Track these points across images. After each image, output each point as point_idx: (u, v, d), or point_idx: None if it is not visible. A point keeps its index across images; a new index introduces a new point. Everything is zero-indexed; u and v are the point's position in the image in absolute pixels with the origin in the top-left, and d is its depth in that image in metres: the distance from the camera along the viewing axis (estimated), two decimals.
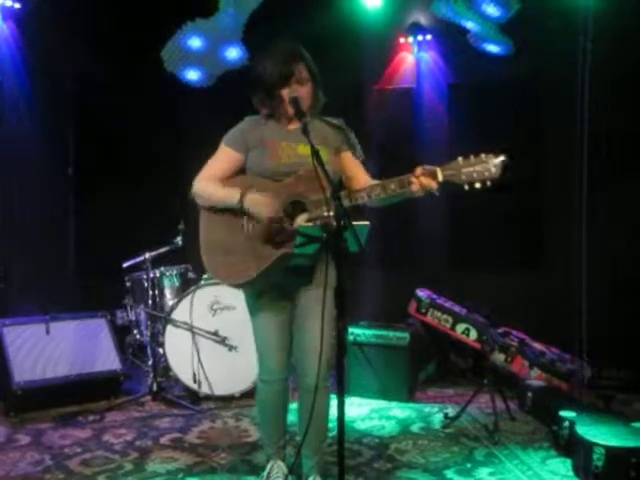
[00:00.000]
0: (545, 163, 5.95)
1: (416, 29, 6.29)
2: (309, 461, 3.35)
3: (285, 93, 3.12)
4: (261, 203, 3.06)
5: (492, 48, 5.96)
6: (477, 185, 2.84)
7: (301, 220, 3.03)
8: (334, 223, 2.55)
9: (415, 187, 2.91)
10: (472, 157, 2.87)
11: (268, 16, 5.96)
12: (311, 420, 3.08)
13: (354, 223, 2.61)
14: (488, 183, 2.83)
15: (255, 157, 3.20)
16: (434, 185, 2.90)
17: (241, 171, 3.26)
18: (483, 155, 2.85)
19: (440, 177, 2.90)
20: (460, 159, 2.88)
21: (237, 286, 3.24)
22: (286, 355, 3.35)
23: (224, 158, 3.26)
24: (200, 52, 6.27)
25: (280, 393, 3.39)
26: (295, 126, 3.18)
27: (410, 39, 6.35)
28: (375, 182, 3.08)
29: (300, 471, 3.43)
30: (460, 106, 6.17)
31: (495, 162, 2.82)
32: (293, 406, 3.48)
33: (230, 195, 3.12)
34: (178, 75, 6.30)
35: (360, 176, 3.26)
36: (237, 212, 3.13)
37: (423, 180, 2.90)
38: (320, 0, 5.81)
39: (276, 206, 3.05)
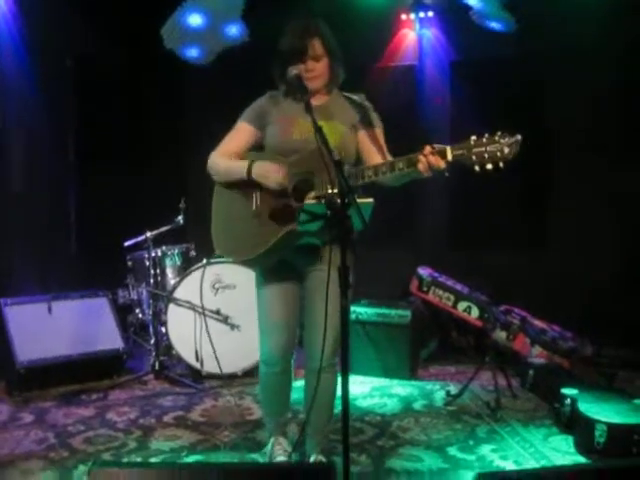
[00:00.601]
0: (547, 141, 5.93)
1: (418, 6, 6.23)
2: (312, 440, 3.36)
3: (302, 69, 3.06)
4: (269, 170, 3.04)
5: (494, 25, 5.91)
6: (489, 166, 2.69)
7: (309, 198, 2.98)
8: (338, 200, 2.52)
9: (422, 166, 2.79)
10: (485, 136, 2.72)
11: None
12: (314, 401, 3.07)
13: (358, 201, 2.58)
14: (500, 164, 2.69)
15: (270, 133, 3.18)
16: (442, 164, 2.77)
17: (259, 148, 3.24)
18: (498, 134, 2.70)
19: (450, 156, 2.77)
20: (472, 138, 2.73)
21: (244, 263, 3.24)
22: (288, 337, 3.27)
23: (240, 133, 3.24)
24: (200, 29, 6.20)
25: (280, 375, 3.32)
26: (315, 102, 3.11)
27: (412, 16, 6.29)
28: (384, 160, 3.03)
29: (303, 448, 3.45)
30: (462, 83, 6.13)
31: (509, 142, 2.68)
32: (300, 383, 3.48)
33: (239, 165, 3.12)
34: (177, 53, 6.24)
35: (373, 155, 3.16)
36: (248, 186, 3.10)
37: (431, 159, 2.78)
38: None
39: (284, 174, 3.01)
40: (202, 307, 4.91)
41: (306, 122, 3.02)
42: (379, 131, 3.23)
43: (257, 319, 3.32)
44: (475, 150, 2.72)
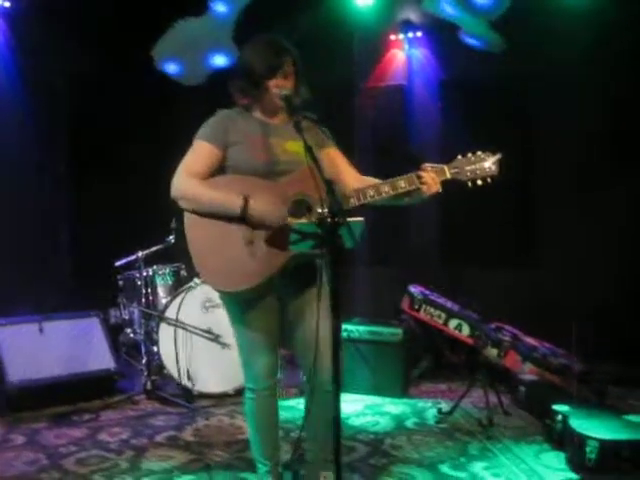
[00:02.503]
0: (536, 159, 5.98)
1: (407, 26, 6.31)
2: (322, 462, 3.20)
3: (272, 84, 2.99)
4: (268, 210, 2.89)
5: (483, 45, 5.98)
6: (479, 182, 3.00)
7: (305, 218, 2.91)
8: (329, 220, 2.53)
9: (427, 182, 2.92)
10: (470, 155, 3.02)
11: (258, 14, 5.96)
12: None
13: (349, 220, 2.59)
14: (489, 180, 3.01)
15: (241, 154, 3.01)
16: (442, 178, 2.97)
17: (219, 169, 3.06)
18: (480, 153, 3.02)
19: (448, 174, 2.99)
20: (460, 157, 3.03)
21: (239, 293, 2.98)
22: (276, 358, 3.17)
23: (202, 155, 3.02)
24: (190, 51, 6.25)
25: (270, 397, 3.18)
26: (279, 121, 3.08)
27: (401, 36, 6.37)
28: (382, 180, 2.98)
29: (296, 466, 3.42)
30: (451, 102, 6.18)
31: (493, 160, 3.01)
32: (287, 403, 3.46)
33: (229, 201, 2.91)
34: (168, 74, 6.29)
35: (349, 170, 3.15)
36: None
37: (433, 175, 2.95)
38: None
39: (283, 210, 2.90)
40: (185, 327, 4.92)
41: (278, 142, 3.02)
42: (337, 148, 3.20)
43: (238, 345, 3.20)
44: (467, 168, 3.01)
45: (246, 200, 2.89)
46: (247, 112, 3.12)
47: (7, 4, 5.73)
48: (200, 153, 3.04)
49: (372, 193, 2.94)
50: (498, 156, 3.02)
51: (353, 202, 2.93)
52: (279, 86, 3.00)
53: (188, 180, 2.99)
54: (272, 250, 2.90)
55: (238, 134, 3.03)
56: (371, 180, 3.06)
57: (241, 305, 3.09)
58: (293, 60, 3.05)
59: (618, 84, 5.47)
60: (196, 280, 5.02)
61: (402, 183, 2.94)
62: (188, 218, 3.01)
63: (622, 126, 5.54)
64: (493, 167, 3.00)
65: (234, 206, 2.90)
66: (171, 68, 6.28)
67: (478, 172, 3.00)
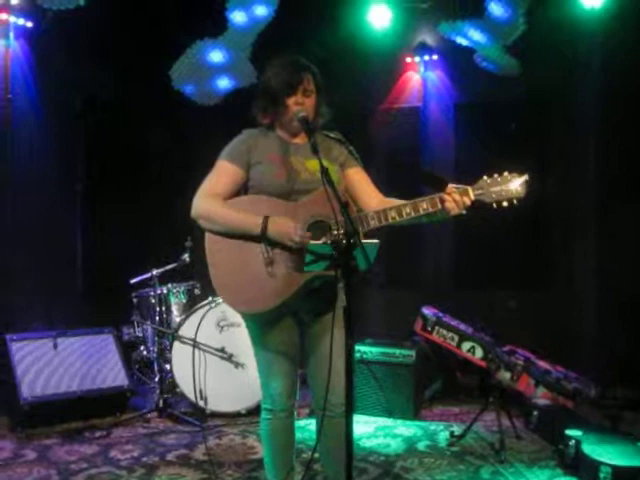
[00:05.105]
0: (551, 182, 5.97)
1: (422, 49, 6.35)
2: None
3: (291, 102, 2.97)
4: (288, 228, 2.86)
5: (498, 69, 6.00)
6: (504, 204, 2.89)
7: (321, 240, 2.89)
8: (344, 242, 2.51)
9: (449, 204, 2.84)
10: (496, 176, 2.90)
11: (276, 37, 6.02)
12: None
13: (363, 241, 2.58)
14: (515, 202, 2.89)
15: (262, 173, 3.01)
16: (468, 201, 2.87)
17: (243, 189, 3.07)
18: (506, 174, 2.90)
19: (472, 196, 2.88)
20: (486, 178, 2.90)
21: (259, 313, 2.98)
22: (294, 381, 3.14)
23: (225, 175, 3.03)
24: (208, 70, 6.31)
25: (287, 419, 3.15)
26: (300, 140, 3.08)
27: (417, 59, 6.41)
28: (404, 201, 2.94)
29: None
30: (466, 125, 6.20)
31: (520, 181, 2.89)
32: (301, 423, 3.45)
33: (248, 221, 2.92)
34: (185, 93, 6.34)
35: (371, 191, 3.12)
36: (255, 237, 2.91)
37: (457, 197, 2.85)
38: (328, 20, 5.87)
39: (301, 230, 2.86)
40: (198, 346, 4.94)
41: (298, 161, 3.01)
42: (362, 168, 3.18)
43: (258, 366, 3.16)
44: (492, 189, 2.89)
45: (266, 220, 2.88)
46: (269, 131, 3.12)
47: (29, 24, 5.81)
48: (222, 173, 3.05)
49: (394, 214, 2.89)
50: (525, 177, 2.89)
51: (374, 223, 2.89)
52: (299, 104, 2.98)
53: (208, 200, 3.00)
54: (292, 271, 2.90)
55: (260, 154, 3.03)
56: (394, 201, 3.00)
57: (262, 326, 3.08)
58: (313, 78, 3.04)
59: (636, 105, 5.46)
60: (216, 299, 5.03)
61: (424, 205, 2.87)
62: (209, 239, 3.02)
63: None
64: (520, 189, 2.87)
65: (253, 225, 2.90)
66: (188, 88, 6.33)
67: (504, 194, 2.87)
